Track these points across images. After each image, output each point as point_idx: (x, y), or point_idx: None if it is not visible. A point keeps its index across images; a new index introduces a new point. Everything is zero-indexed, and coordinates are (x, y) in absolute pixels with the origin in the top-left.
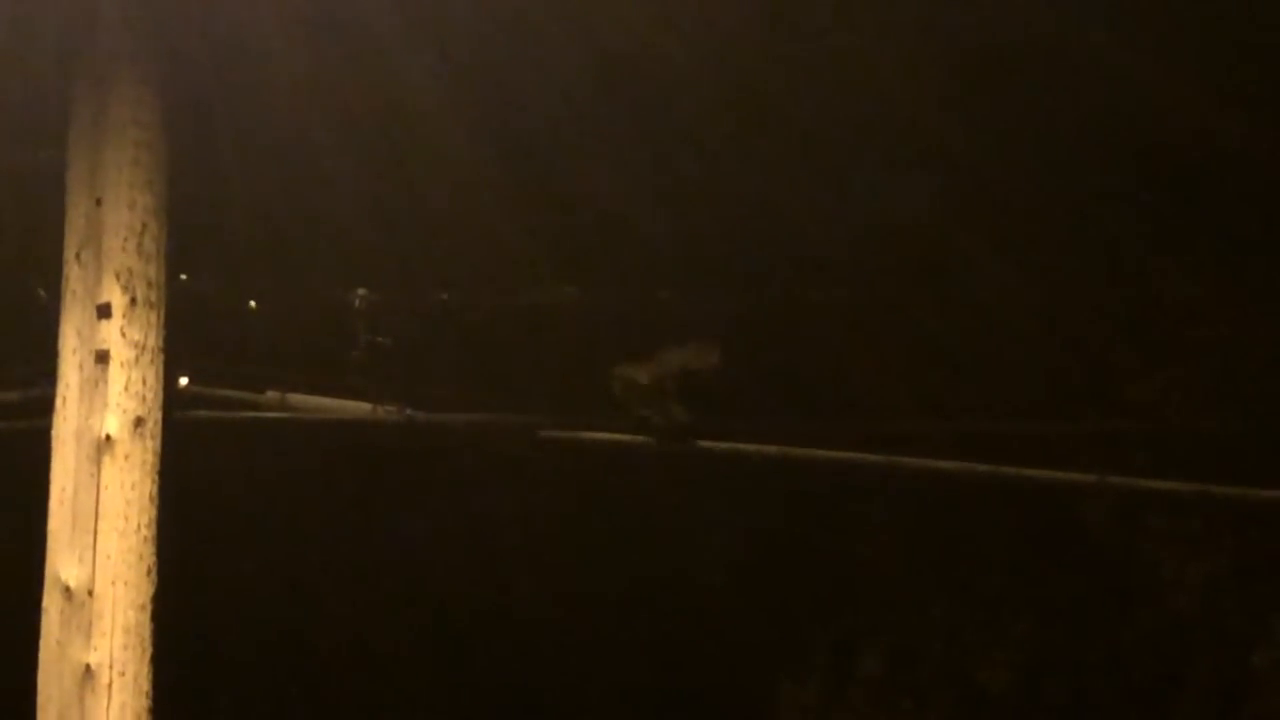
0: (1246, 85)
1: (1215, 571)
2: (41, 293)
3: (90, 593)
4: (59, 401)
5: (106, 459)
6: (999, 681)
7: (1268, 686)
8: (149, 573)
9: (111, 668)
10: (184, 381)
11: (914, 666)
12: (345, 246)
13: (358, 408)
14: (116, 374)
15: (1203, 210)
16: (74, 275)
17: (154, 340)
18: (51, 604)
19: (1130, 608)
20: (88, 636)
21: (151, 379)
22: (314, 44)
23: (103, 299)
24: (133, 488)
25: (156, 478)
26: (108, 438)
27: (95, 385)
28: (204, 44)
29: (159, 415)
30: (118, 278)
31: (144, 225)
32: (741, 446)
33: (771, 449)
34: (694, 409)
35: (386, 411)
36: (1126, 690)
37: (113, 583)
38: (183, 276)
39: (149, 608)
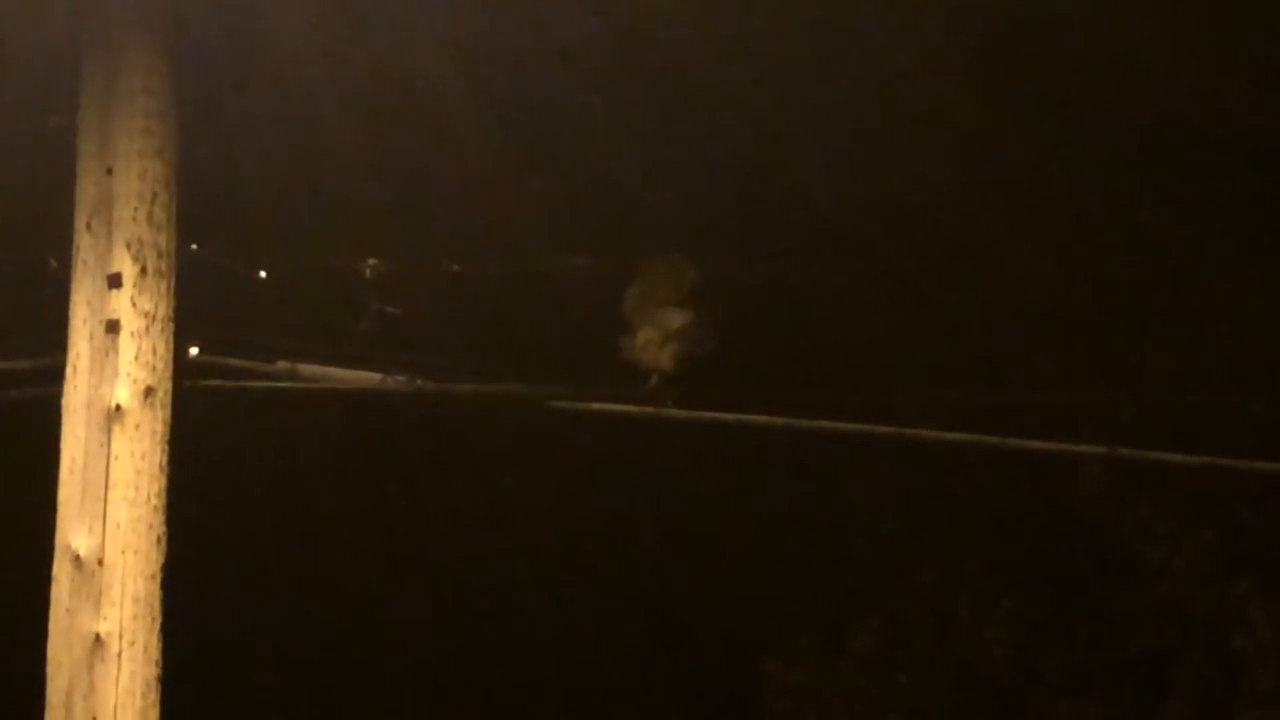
0: (1260, 58)
1: (1206, 549)
2: (52, 262)
3: (100, 562)
4: (69, 371)
5: (116, 428)
6: (991, 659)
7: (1260, 661)
8: (159, 542)
9: (121, 636)
10: (194, 351)
11: (907, 643)
12: (355, 216)
13: (368, 378)
14: (127, 343)
15: (1216, 183)
16: (84, 245)
17: (164, 310)
18: (61, 573)
19: (1122, 586)
20: (97, 605)
21: (162, 348)
22: (324, 13)
23: (113, 268)
24: (143, 457)
25: (166, 447)
26: (118, 407)
27: (105, 355)
28: (214, 13)
29: (169, 385)
30: (128, 247)
31: (154, 194)
32: (749, 417)
33: (779, 420)
34: (701, 374)
35: (396, 381)
36: (1121, 666)
37: (122, 552)
38: (193, 246)
39: (158, 577)
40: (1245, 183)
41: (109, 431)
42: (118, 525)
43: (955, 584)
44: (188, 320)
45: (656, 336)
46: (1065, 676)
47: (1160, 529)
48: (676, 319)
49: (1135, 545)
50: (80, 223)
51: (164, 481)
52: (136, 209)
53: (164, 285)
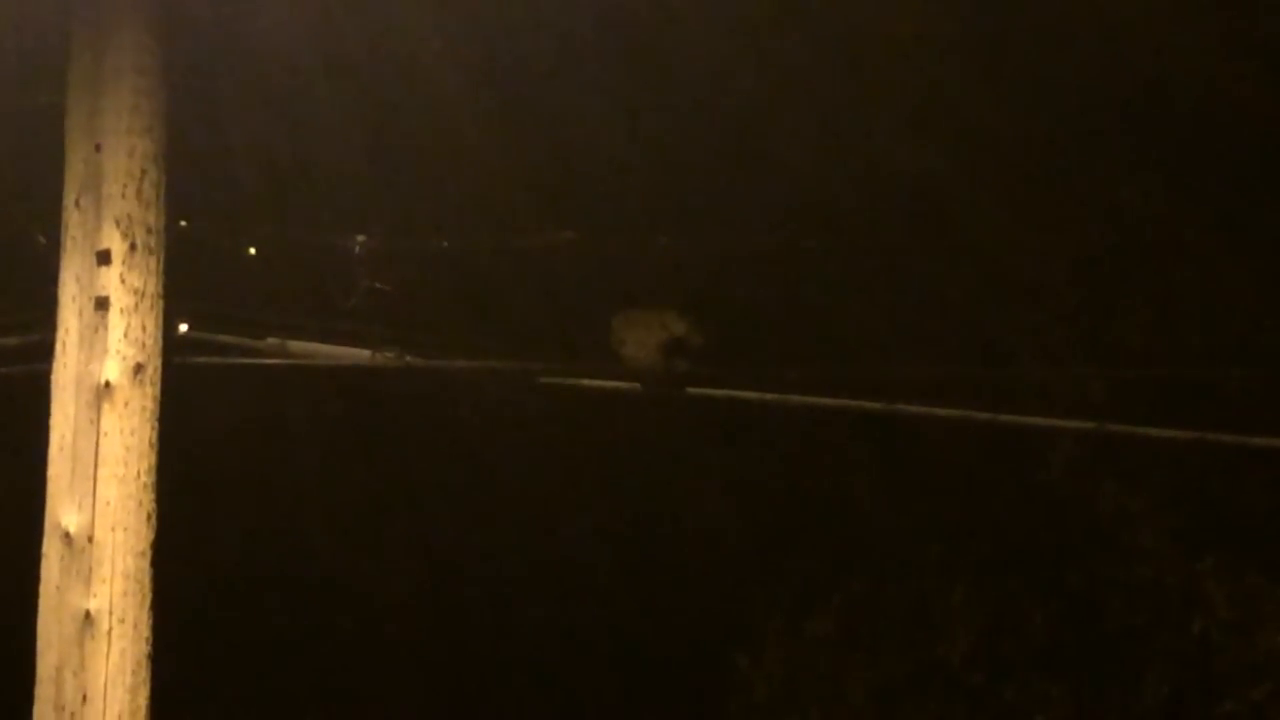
0: (1238, 33)
1: (1179, 525)
2: (41, 239)
3: (90, 539)
4: (59, 348)
5: (106, 405)
6: (958, 646)
7: (1233, 642)
8: (149, 519)
9: (111, 614)
10: (183, 328)
11: (876, 622)
12: (345, 192)
13: (357, 354)
14: (116, 320)
15: (1194, 159)
16: (73, 221)
17: (153, 286)
18: (51, 550)
19: (1096, 563)
20: (87, 583)
21: (151, 325)
22: None
23: (102, 245)
24: (132, 434)
25: (156, 424)
26: (107, 384)
27: (95, 331)
28: None
29: (158, 361)
30: (117, 224)
31: (143, 171)
32: (739, 393)
33: (768, 396)
34: (691, 358)
35: (386, 357)
36: (1095, 645)
37: (112, 529)
38: (182, 222)
39: (149, 554)
40: (1223, 158)
41: (98, 408)
42: (108, 502)
43: (926, 562)
44: (177, 297)
45: (645, 340)
46: (1038, 655)
47: (1134, 506)
48: (665, 324)
49: (1108, 522)
50: (69, 199)
51: (154, 458)
52: (125, 186)
53: (153, 262)
